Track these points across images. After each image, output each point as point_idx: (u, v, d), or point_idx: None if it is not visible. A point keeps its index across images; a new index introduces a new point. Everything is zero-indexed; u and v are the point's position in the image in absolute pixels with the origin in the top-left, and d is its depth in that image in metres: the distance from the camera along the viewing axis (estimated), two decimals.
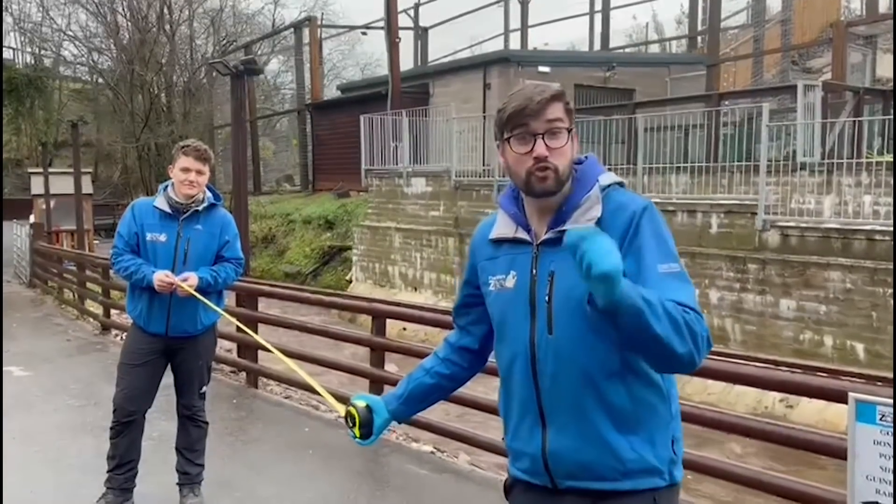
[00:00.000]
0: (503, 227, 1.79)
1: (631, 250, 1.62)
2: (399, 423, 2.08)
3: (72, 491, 4.12)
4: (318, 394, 2.03)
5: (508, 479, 1.87)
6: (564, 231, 1.62)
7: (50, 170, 20.26)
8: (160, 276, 3.59)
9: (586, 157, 1.80)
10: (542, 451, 1.70)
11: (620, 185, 1.75)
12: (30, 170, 24.10)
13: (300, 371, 2.53)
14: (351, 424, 1.91)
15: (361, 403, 1.92)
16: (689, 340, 1.53)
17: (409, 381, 1.99)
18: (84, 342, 8.95)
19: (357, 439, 1.92)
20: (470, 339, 1.97)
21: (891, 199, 8.46)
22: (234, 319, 3.60)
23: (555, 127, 1.67)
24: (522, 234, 1.75)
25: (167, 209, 3.72)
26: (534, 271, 1.70)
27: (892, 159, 8.75)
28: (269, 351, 2.77)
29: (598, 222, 1.65)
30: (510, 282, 1.74)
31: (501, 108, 1.72)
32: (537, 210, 1.74)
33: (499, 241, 1.79)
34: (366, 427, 1.90)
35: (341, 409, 1.97)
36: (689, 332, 1.52)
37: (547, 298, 1.67)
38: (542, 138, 1.66)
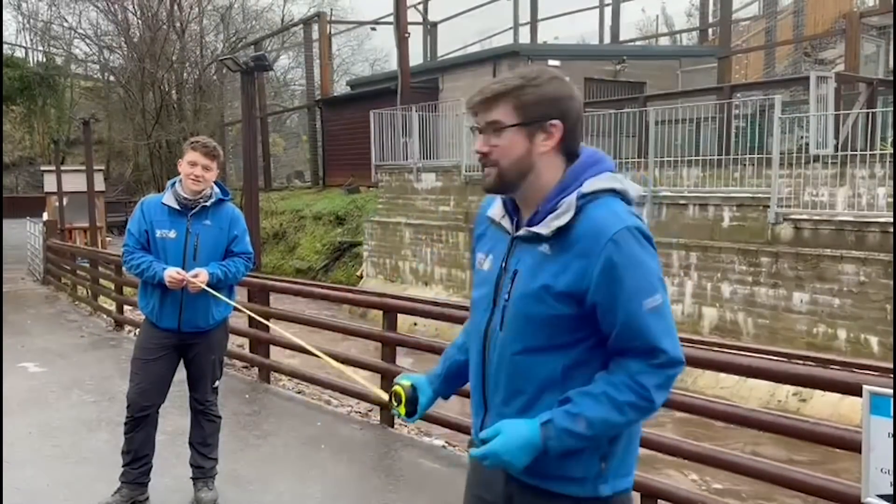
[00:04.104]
0: (496, 208, 1.80)
1: (605, 284, 1.57)
2: (445, 399, 2.10)
3: (87, 485, 4.16)
4: (355, 383, 2.06)
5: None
6: (535, 233, 1.65)
7: (62, 167, 20.38)
8: (171, 273, 3.61)
9: (578, 154, 1.69)
10: (481, 430, 1.76)
11: (614, 191, 1.64)
12: (42, 167, 24.29)
13: (334, 363, 2.54)
14: (396, 403, 1.98)
15: (406, 383, 1.99)
16: (644, 407, 1.60)
17: (445, 360, 2.02)
18: (98, 338, 9.02)
19: (402, 416, 1.98)
20: None
21: None
22: (247, 311, 3.60)
23: (495, 127, 1.65)
24: (506, 223, 1.76)
25: (175, 206, 3.73)
26: (503, 264, 1.72)
27: None
28: (299, 348, 2.76)
29: (563, 230, 1.60)
30: (487, 264, 1.78)
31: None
32: (519, 200, 1.74)
33: (490, 220, 1.82)
34: (411, 405, 1.98)
35: (382, 394, 2.05)
36: (640, 402, 1.59)
37: (507, 297, 1.69)
38: (482, 132, 1.67)
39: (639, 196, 1.71)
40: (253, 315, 2.97)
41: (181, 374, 3.95)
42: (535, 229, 1.66)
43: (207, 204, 3.75)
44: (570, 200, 1.62)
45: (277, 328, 3.01)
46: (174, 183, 3.80)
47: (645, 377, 1.59)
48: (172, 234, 3.73)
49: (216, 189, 3.81)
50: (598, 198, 1.63)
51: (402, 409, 1.97)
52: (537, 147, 1.65)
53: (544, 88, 1.64)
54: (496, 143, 1.66)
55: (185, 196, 3.72)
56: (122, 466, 3.84)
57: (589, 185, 1.64)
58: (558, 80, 1.67)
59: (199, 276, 3.64)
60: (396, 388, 1.99)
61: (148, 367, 3.79)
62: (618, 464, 1.70)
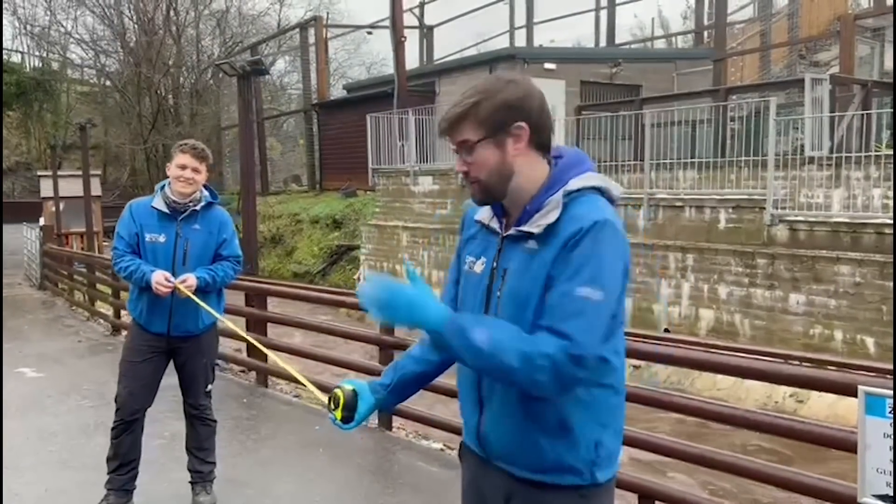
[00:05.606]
0: (484, 211, 1.86)
1: (561, 261, 1.61)
2: (381, 411, 2.09)
3: (85, 490, 4.15)
4: (305, 384, 2.08)
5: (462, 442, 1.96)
6: (524, 232, 1.69)
7: (59, 172, 20.35)
8: (158, 279, 3.58)
9: (561, 156, 1.77)
10: (478, 430, 1.79)
11: (597, 189, 1.70)
12: (39, 172, 24.23)
13: (278, 359, 2.55)
14: (334, 407, 1.87)
15: (349, 387, 1.89)
16: (534, 377, 1.55)
17: (397, 370, 1.97)
18: (95, 343, 9.01)
19: (337, 422, 1.88)
20: None
21: None
22: (231, 324, 3.60)
23: (466, 146, 1.72)
24: (495, 224, 1.81)
25: (165, 209, 3.71)
26: (494, 264, 1.77)
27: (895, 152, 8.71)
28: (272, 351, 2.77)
29: (549, 227, 1.66)
30: (479, 267, 1.81)
31: None
32: (507, 203, 1.79)
33: (479, 224, 1.87)
34: (349, 411, 1.87)
35: (323, 397, 1.93)
36: (537, 362, 1.54)
37: (498, 294, 1.73)
38: (459, 154, 1.74)
39: (620, 196, 1.76)
40: (234, 328, 2.97)
41: (175, 378, 3.94)
42: (524, 228, 1.71)
43: (197, 208, 3.74)
44: (557, 198, 1.69)
45: (239, 330, 3.02)
46: (163, 186, 3.76)
47: (550, 349, 1.55)
48: (162, 239, 3.71)
49: (205, 192, 3.80)
50: (584, 195, 1.69)
51: (339, 414, 1.86)
52: (510, 152, 1.71)
53: (500, 97, 1.68)
54: (471, 161, 1.73)
55: (175, 199, 3.70)
56: (109, 473, 3.77)
57: (574, 184, 1.70)
58: (513, 84, 1.71)
59: (188, 282, 3.63)
60: (336, 391, 1.88)
61: (136, 368, 3.77)
62: (610, 448, 1.74)
